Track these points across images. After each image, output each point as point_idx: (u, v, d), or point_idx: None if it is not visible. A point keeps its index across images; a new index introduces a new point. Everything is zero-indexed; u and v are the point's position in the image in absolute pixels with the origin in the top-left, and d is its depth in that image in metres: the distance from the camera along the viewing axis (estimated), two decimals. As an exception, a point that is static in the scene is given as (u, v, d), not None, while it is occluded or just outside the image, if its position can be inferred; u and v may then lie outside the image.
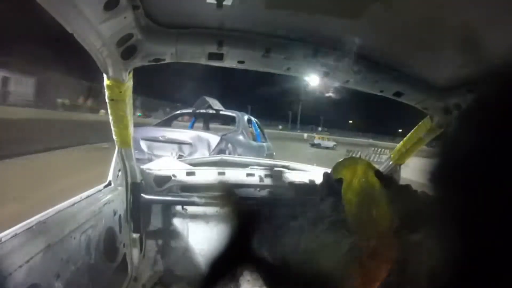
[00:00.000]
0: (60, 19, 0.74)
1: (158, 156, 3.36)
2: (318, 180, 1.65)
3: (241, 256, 0.52)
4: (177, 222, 1.79)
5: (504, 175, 0.24)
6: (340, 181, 1.00)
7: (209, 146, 3.96)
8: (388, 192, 1.09)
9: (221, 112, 5.06)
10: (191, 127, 5.57)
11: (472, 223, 0.26)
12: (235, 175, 1.77)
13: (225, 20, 1.06)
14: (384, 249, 0.51)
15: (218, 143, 3.97)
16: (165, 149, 3.99)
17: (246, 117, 5.04)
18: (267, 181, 1.81)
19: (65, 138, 8.74)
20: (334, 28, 1.04)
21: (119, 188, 1.45)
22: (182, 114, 5.68)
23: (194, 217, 1.78)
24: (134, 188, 1.54)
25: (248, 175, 1.80)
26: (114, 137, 1.37)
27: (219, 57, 1.19)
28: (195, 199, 1.66)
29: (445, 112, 1.36)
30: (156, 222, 1.74)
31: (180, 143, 4.05)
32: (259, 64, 1.28)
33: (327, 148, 25.69)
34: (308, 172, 1.93)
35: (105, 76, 1.11)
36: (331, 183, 0.98)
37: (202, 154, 3.82)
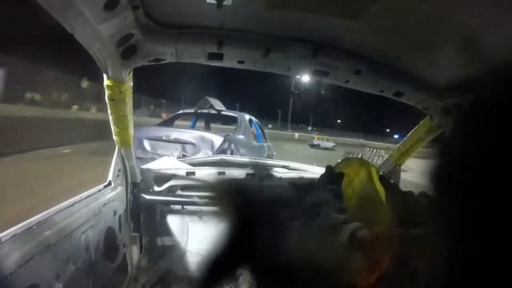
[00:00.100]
0: (60, 19, 0.74)
1: (161, 156, 3.35)
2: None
3: (241, 256, 0.52)
4: (177, 222, 1.79)
5: (504, 175, 0.24)
6: (341, 175, 1.00)
7: (212, 146, 3.98)
8: (389, 195, 1.09)
9: (223, 113, 5.07)
10: (193, 127, 5.57)
11: (472, 223, 0.26)
12: (235, 175, 1.77)
13: (225, 20, 1.06)
14: (383, 240, 0.51)
15: (222, 144, 3.98)
16: (169, 149, 4.02)
17: (247, 117, 5.05)
18: (267, 181, 1.81)
19: (17, 140, 6.41)
20: (334, 28, 1.04)
21: (119, 188, 1.45)
22: (184, 114, 5.69)
23: (194, 216, 1.78)
24: (134, 188, 1.54)
25: (248, 175, 1.80)
26: (114, 137, 1.37)
27: (219, 57, 1.19)
28: (195, 199, 1.66)
29: (445, 112, 1.36)
30: (156, 222, 1.74)
31: (183, 143, 4.07)
32: (259, 64, 1.28)
33: (326, 149, 25.56)
34: (308, 172, 1.93)
35: (105, 76, 1.11)
36: (332, 176, 0.98)
37: (205, 154, 3.83)
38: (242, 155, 3.99)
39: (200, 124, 6.01)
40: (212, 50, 1.15)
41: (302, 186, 1.57)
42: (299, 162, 2.13)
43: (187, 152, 4.00)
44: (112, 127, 1.33)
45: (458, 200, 0.28)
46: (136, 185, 1.55)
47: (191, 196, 1.68)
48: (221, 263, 0.52)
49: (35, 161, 5.92)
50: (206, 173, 1.75)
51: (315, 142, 27.18)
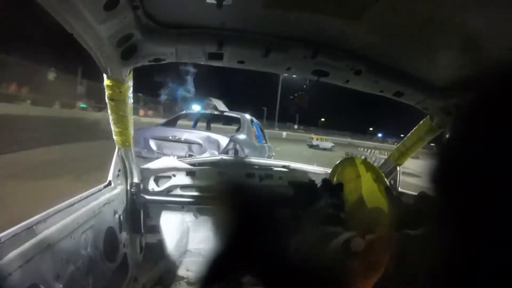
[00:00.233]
0: (60, 19, 0.74)
1: (168, 155, 3.42)
2: (318, 180, 1.65)
3: (241, 256, 0.52)
4: (177, 222, 1.79)
5: (504, 175, 0.24)
6: (340, 185, 1.00)
7: (218, 146, 4.01)
8: (390, 197, 1.09)
9: (225, 114, 5.09)
10: (194, 127, 5.61)
11: (472, 224, 0.26)
12: (235, 175, 1.77)
13: (225, 20, 1.06)
14: (382, 243, 0.51)
15: (228, 144, 4.02)
16: (175, 149, 4.06)
17: (249, 118, 5.09)
18: (267, 181, 1.81)
19: None
20: (334, 28, 1.04)
21: (119, 188, 1.45)
22: (187, 115, 5.72)
23: (194, 217, 1.78)
24: (134, 188, 1.54)
25: (248, 175, 1.80)
26: (114, 137, 1.37)
27: (219, 57, 1.19)
28: (195, 199, 1.66)
29: (445, 112, 1.36)
30: (156, 222, 1.74)
31: (190, 143, 4.10)
32: (259, 64, 1.28)
33: (324, 149, 25.41)
34: (308, 172, 1.93)
35: (105, 76, 1.12)
36: (331, 188, 0.98)
37: (211, 154, 3.86)
38: (246, 155, 4.05)
39: (201, 124, 6.04)
40: (212, 50, 1.15)
41: (302, 186, 1.57)
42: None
43: (194, 152, 4.04)
44: (112, 127, 1.33)
45: (458, 200, 0.28)
46: (136, 185, 1.55)
47: (191, 196, 1.68)
48: (221, 263, 0.52)
49: None
50: (206, 173, 1.75)
51: (314, 142, 26.87)
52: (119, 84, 1.15)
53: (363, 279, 0.47)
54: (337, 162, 1.40)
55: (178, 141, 4.13)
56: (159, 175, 1.70)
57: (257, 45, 1.14)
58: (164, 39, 1.09)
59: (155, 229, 1.74)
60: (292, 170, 1.92)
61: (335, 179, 1.29)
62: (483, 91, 0.28)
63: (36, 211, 0.89)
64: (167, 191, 1.71)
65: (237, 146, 4.12)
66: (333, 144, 27.88)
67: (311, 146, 25.88)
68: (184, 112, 5.66)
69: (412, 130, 1.67)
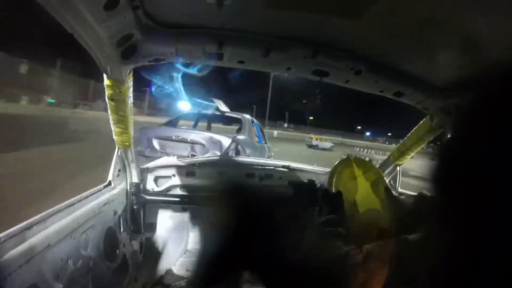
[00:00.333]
0: (60, 19, 0.74)
1: (170, 155, 3.48)
2: (318, 180, 1.65)
3: (241, 256, 0.52)
4: (177, 222, 1.79)
5: (505, 175, 0.24)
6: (338, 193, 1.00)
7: (221, 147, 4.06)
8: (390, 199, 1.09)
9: (227, 114, 5.14)
10: (195, 127, 5.65)
11: (472, 224, 0.26)
12: (235, 175, 1.77)
13: (225, 20, 1.06)
14: (381, 253, 0.51)
15: (230, 144, 4.07)
16: (178, 149, 4.12)
17: (250, 118, 5.12)
18: (267, 181, 1.81)
19: None
20: (334, 28, 1.04)
21: (119, 188, 1.45)
22: (189, 115, 5.76)
23: (194, 217, 1.78)
24: (134, 188, 1.54)
25: (248, 175, 1.80)
26: (114, 137, 1.37)
27: (219, 57, 1.19)
28: (195, 199, 1.66)
29: (445, 112, 1.36)
30: (156, 222, 1.74)
31: (193, 143, 4.16)
32: (259, 64, 1.28)
33: (324, 149, 25.37)
34: (308, 172, 1.93)
35: (105, 76, 1.12)
36: (330, 197, 0.98)
37: (213, 154, 3.94)
38: (248, 155, 4.11)
39: (202, 123, 6.07)
40: (212, 50, 1.15)
41: (302, 186, 1.57)
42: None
43: (196, 152, 4.09)
44: (112, 127, 1.33)
45: (458, 200, 0.28)
46: (136, 185, 1.55)
47: (191, 196, 1.68)
48: (221, 263, 0.52)
49: None
50: (206, 173, 1.75)
51: (314, 142, 26.85)
52: (119, 84, 1.15)
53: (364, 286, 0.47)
54: (336, 164, 1.39)
55: (181, 141, 4.18)
56: (159, 175, 1.70)
57: (257, 45, 1.14)
58: (164, 39, 1.09)
59: (155, 229, 1.74)
60: (292, 170, 1.92)
61: (334, 182, 1.29)
62: (483, 91, 0.28)
63: None
64: (167, 191, 1.71)
65: (239, 146, 4.17)
66: (332, 144, 27.87)
67: (311, 146, 25.85)
68: (185, 112, 5.69)
69: (412, 130, 1.66)
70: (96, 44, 0.91)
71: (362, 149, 22.02)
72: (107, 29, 0.87)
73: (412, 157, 1.78)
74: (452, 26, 0.84)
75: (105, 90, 1.18)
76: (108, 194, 1.32)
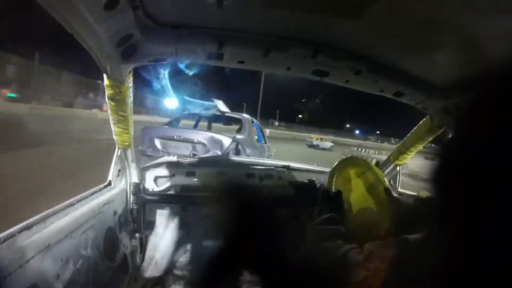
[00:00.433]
0: (60, 19, 0.74)
1: (172, 154, 3.52)
2: (318, 180, 1.65)
3: (241, 256, 0.52)
4: (177, 222, 1.79)
5: (505, 175, 0.24)
6: (338, 193, 1.00)
7: (221, 146, 4.12)
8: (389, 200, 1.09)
9: (227, 114, 5.20)
10: (196, 127, 5.70)
11: (473, 224, 0.26)
12: (235, 175, 1.77)
13: (225, 20, 1.06)
14: (381, 252, 0.51)
15: (230, 144, 4.13)
16: (180, 148, 4.20)
17: (250, 119, 5.16)
18: (267, 181, 1.81)
19: None
20: (334, 28, 1.04)
21: (119, 188, 1.45)
22: (189, 115, 5.79)
23: (194, 217, 1.78)
24: (134, 188, 1.54)
25: (248, 175, 1.80)
26: (115, 137, 1.37)
27: (219, 57, 1.19)
28: (195, 199, 1.66)
29: (445, 112, 1.36)
30: (156, 222, 1.74)
31: (194, 142, 4.22)
32: (259, 64, 1.28)
33: (323, 149, 25.37)
34: (308, 172, 1.93)
35: (105, 76, 1.12)
36: (330, 197, 0.98)
37: (215, 154, 4.01)
38: (248, 155, 4.16)
39: (202, 123, 6.10)
40: (212, 50, 1.15)
41: (302, 186, 1.57)
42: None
43: (198, 152, 4.17)
44: (112, 127, 1.33)
45: (459, 200, 0.28)
46: (136, 185, 1.55)
47: (191, 196, 1.68)
48: (221, 263, 0.52)
49: None
50: (206, 173, 1.75)
51: (315, 142, 26.89)
52: (119, 84, 1.15)
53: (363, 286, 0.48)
54: (336, 164, 1.40)
55: (183, 140, 4.26)
56: (159, 175, 1.70)
57: (257, 45, 1.14)
58: (164, 39, 1.09)
59: (155, 229, 1.74)
60: (292, 170, 1.92)
61: (334, 182, 1.29)
62: (483, 91, 0.28)
63: None
64: (167, 191, 1.71)
65: (239, 146, 4.21)
66: (332, 144, 27.88)
67: (311, 146, 25.85)
68: (186, 112, 5.75)
69: (412, 130, 1.66)
70: (96, 44, 0.91)
71: (360, 149, 21.94)
72: (107, 29, 0.87)
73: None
74: (452, 26, 0.84)
75: (105, 90, 1.18)
76: (108, 194, 1.32)
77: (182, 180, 1.72)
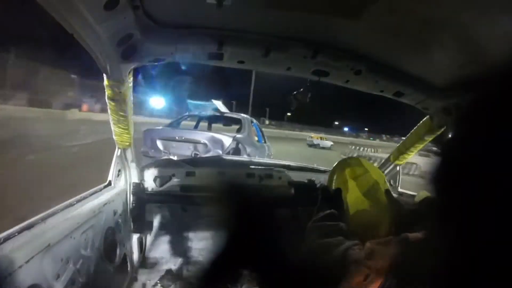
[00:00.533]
0: (60, 19, 0.74)
1: (174, 155, 3.58)
2: (318, 179, 1.65)
3: (241, 256, 0.52)
4: (177, 222, 1.79)
5: (505, 175, 0.24)
6: (338, 191, 1.00)
7: (222, 146, 4.17)
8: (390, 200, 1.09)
9: (227, 115, 5.26)
10: (196, 128, 5.75)
11: (473, 225, 0.26)
12: (235, 175, 1.77)
13: (225, 20, 1.06)
14: (383, 249, 0.51)
15: (231, 144, 4.19)
16: (181, 149, 4.25)
17: (249, 118, 5.20)
18: (267, 181, 1.81)
19: None
20: (334, 28, 1.04)
21: (119, 188, 1.45)
22: (190, 116, 5.84)
23: (194, 217, 1.78)
24: (134, 188, 1.54)
25: (248, 175, 1.80)
26: (115, 137, 1.37)
27: (219, 57, 1.19)
28: (195, 199, 1.66)
29: (445, 112, 1.36)
30: (156, 222, 1.74)
31: (195, 143, 4.28)
32: (259, 64, 1.28)
33: (323, 148, 25.29)
34: (308, 172, 1.93)
35: (105, 76, 1.12)
36: (330, 195, 0.98)
37: (216, 153, 4.05)
38: (249, 154, 4.21)
39: (203, 124, 6.14)
40: (212, 50, 1.15)
41: (302, 186, 1.57)
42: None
43: (199, 152, 4.22)
44: (112, 127, 1.33)
45: (459, 200, 0.28)
46: (136, 185, 1.55)
47: (191, 196, 1.68)
48: (221, 263, 0.52)
49: None
50: (206, 173, 1.75)
51: (315, 141, 26.77)
52: (119, 84, 1.15)
53: (364, 285, 0.47)
54: (336, 163, 1.40)
55: (184, 141, 4.32)
56: (159, 175, 1.70)
57: (257, 45, 1.14)
58: (164, 39, 1.09)
59: (155, 229, 1.75)
60: (292, 170, 1.92)
61: (333, 181, 1.29)
62: (483, 91, 0.28)
63: None
64: (167, 191, 1.71)
65: (240, 145, 4.26)
66: (332, 143, 27.81)
67: (311, 145, 25.74)
68: (187, 113, 5.80)
69: (412, 130, 1.67)
70: (96, 44, 0.91)
71: (358, 148, 21.85)
72: (107, 29, 0.87)
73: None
74: (452, 26, 0.84)
75: (105, 90, 1.18)
76: (108, 194, 1.32)
77: (182, 180, 1.72)
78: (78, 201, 1.10)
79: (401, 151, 1.77)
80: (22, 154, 5.74)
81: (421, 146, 1.67)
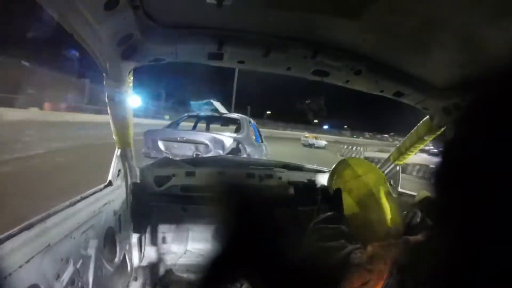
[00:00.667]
0: (60, 19, 0.74)
1: (176, 156, 3.66)
2: (318, 180, 1.65)
3: (242, 256, 0.52)
4: (177, 222, 1.79)
5: (505, 175, 0.24)
6: (338, 191, 1.00)
7: (223, 146, 4.21)
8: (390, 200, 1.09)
9: (225, 115, 5.30)
10: (194, 128, 5.78)
11: (473, 225, 0.26)
12: (235, 175, 1.77)
13: (225, 20, 1.06)
14: (384, 253, 0.51)
15: (231, 144, 4.23)
16: (183, 149, 4.30)
17: (248, 119, 5.24)
18: (267, 181, 1.81)
19: None
20: (334, 28, 1.04)
21: (119, 188, 1.45)
22: (189, 117, 5.87)
23: (194, 217, 1.78)
24: (134, 188, 1.54)
25: (248, 175, 1.80)
26: (114, 137, 1.37)
27: (219, 57, 1.19)
28: (195, 199, 1.66)
29: (445, 112, 1.36)
30: (156, 222, 1.74)
31: (197, 143, 4.33)
32: (259, 64, 1.28)
33: (318, 148, 25.08)
34: (308, 172, 1.93)
35: (105, 75, 1.12)
36: (330, 196, 0.98)
37: (217, 153, 4.10)
38: (248, 154, 4.26)
39: (201, 124, 6.16)
40: (212, 50, 1.15)
41: (302, 186, 1.57)
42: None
43: (200, 152, 4.26)
44: (112, 127, 1.33)
45: (459, 201, 0.28)
46: (136, 185, 1.55)
47: (191, 197, 1.68)
48: (221, 263, 0.52)
49: None
50: (206, 173, 1.75)
51: (310, 141, 26.23)
52: (119, 84, 1.15)
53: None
54: (335, 164, 1.40)
55: (186, 141, 4.37)
56: (159, 175, 1.70)
57: (257, 45, 1.14)
58: (164, 39, 1.09)
59: (155, 229, 1.74)
60: (292, 170, 1.92)
61: (334, 181, 1.29)
62: (483, 91, 0.28)
63: None
64: (167, 191, 1.71)
65: (240, 145, 4.30)
66: (325, 143, 27.59)
67: (306, 145, 25.28)
68: (186, 114, 5.83)
69: (412, 130, 1.67)
70: (96, 44, 0.91)
71: (350, 147, 21.75)
72: (107, 29, 0.87)
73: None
74: (452, 26, 0.84)
75: (105, 90, 1.18)
76: (108, 194, 1.32)
77: (182, 180, 1.72)
78: (78, 201, 1.10)
79: (401, 151, 1.77)
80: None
81: (421, 146, 1.67)
